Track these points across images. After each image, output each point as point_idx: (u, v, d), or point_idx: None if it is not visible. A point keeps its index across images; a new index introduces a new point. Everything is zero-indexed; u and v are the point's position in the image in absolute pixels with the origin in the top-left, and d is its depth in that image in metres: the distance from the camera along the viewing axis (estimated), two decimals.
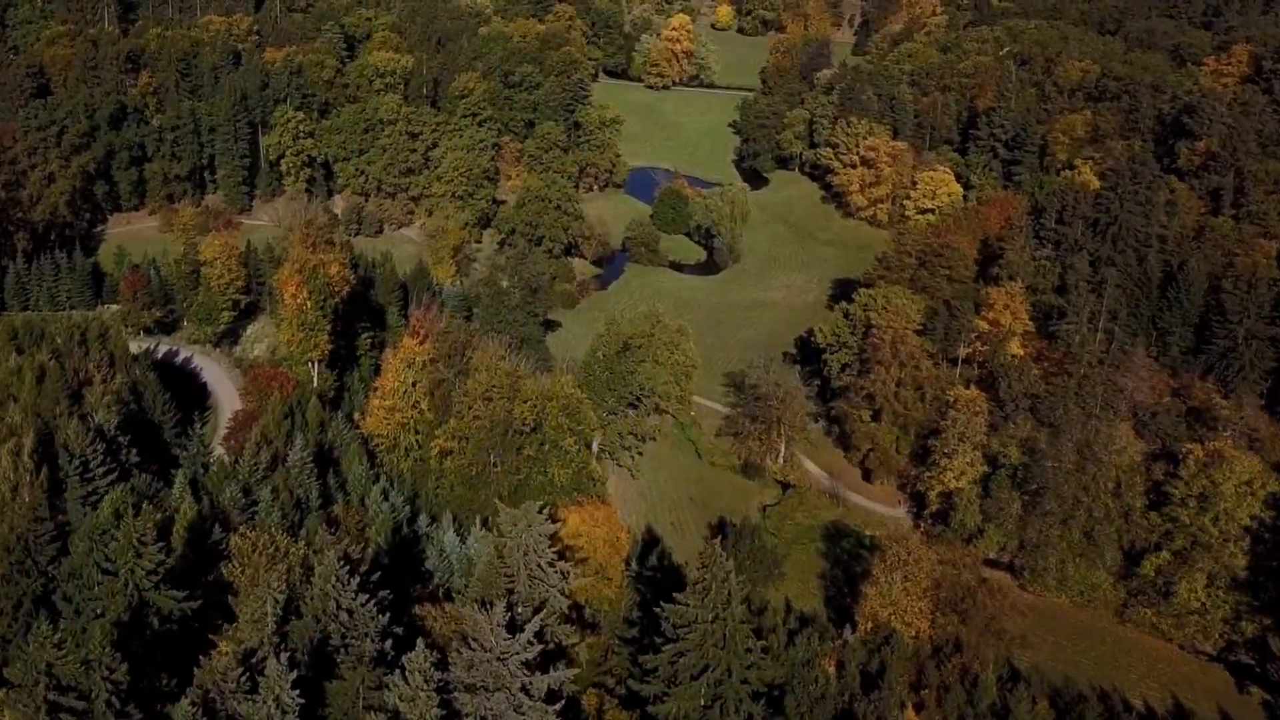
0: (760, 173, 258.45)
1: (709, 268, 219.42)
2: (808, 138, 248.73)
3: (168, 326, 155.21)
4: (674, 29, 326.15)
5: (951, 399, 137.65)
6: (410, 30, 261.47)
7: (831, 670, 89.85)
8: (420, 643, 64.53)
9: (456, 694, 65.40)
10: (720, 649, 76.16)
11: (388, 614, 71.32)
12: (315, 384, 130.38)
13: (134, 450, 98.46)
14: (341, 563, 70.42)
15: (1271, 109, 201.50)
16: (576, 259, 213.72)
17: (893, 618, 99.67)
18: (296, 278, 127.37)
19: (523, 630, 67.70)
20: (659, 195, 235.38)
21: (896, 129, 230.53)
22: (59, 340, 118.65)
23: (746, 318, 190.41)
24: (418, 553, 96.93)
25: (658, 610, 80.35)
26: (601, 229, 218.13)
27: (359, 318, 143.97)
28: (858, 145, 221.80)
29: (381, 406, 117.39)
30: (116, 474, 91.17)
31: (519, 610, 72.98)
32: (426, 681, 62.43)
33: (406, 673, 63.27)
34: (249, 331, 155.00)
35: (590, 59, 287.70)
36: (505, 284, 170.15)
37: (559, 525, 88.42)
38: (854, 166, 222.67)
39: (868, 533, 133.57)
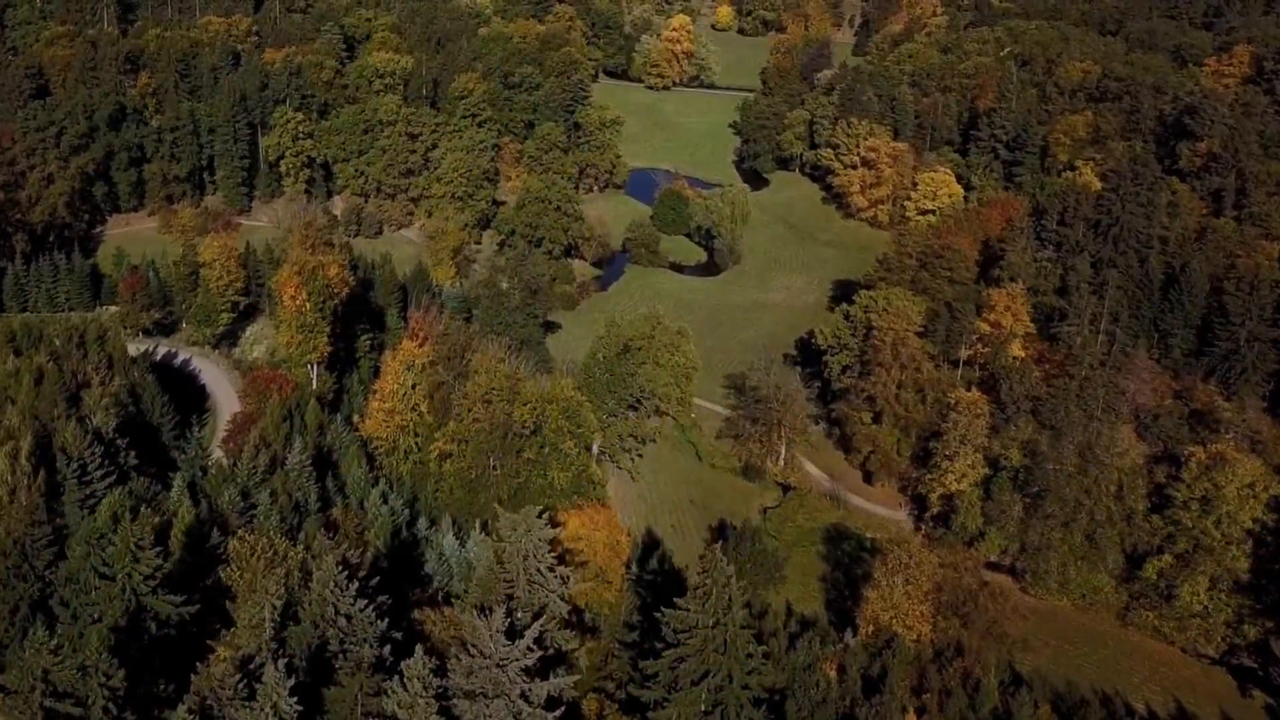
0: (761, 174, 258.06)
1: (709, 269, 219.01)
2: (808, 138, 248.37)
3: (166, 328, 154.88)
4: (674, 29, 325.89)
5: (953, 401, 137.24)
6: (410, 31, 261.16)
7: (833, 674, 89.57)
8: (419, 649, 64.12)
9: (456, 700, 64.99)
10: (721, 654, 75.75)
11: (386, 619, 70.94)
12: (314, 386, 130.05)
13: (132, 453, 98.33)
14: (340, 567, 70.03)
15: (1273, 110, 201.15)
16: (576, 260, 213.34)
17: (894, 621, 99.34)
18: (295, 279, 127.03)
19: (522, 636, 67.31)
20: (659, 196, 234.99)
21: (897, 130, 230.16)
22: (57, 342, 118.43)
23: (747, 319, 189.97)
24: (417, 556, 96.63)
25: (658, 615, 79.96)
26: (601, 230, 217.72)
27: (358, 319, 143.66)
28: (858, 146, 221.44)
29: (381, 409, 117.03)
30: (115, 477, 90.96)
31: (518, 616, 72.61)
32: (425, 688, 62.00)
33: (405, 679, 62.84)
34: (248, 333, 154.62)
35: (590, 59, 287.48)
36: (505, 285, 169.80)
37: (559, 529, 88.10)
38: (854, 167, 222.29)
39: (869, 535, 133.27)
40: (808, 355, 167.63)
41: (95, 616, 72.01)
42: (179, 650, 72.66)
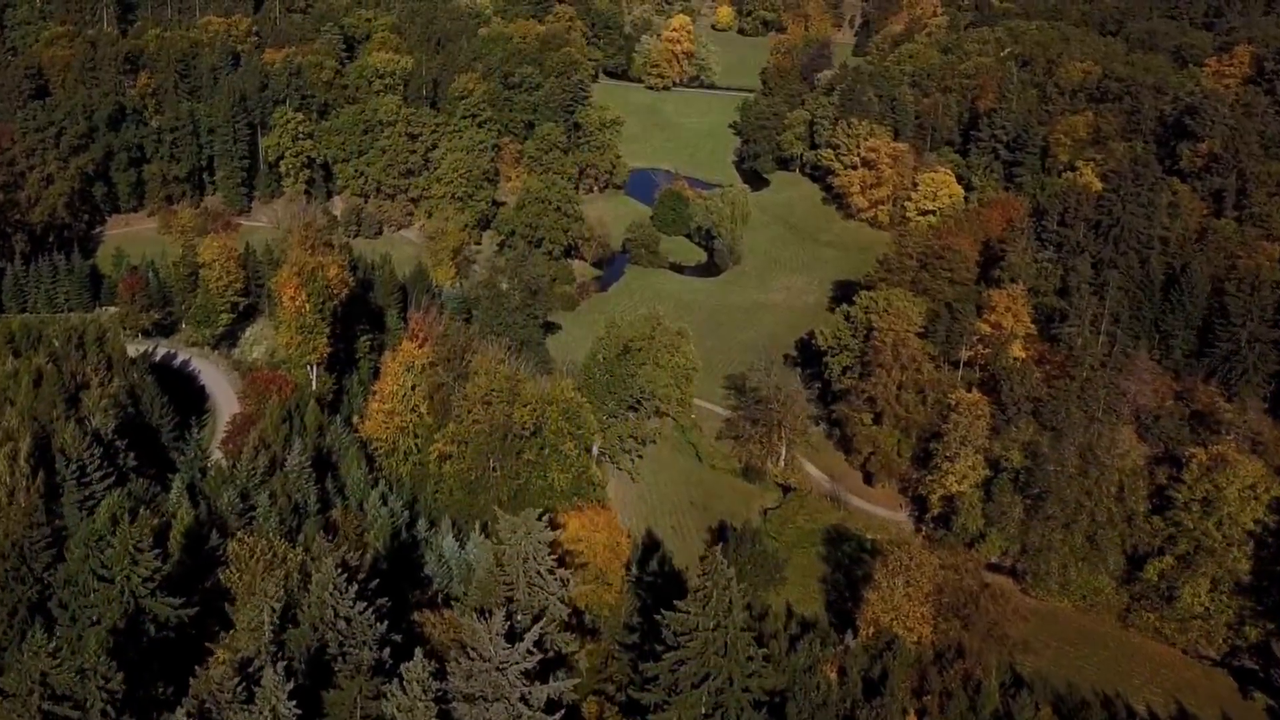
0: (761, 174, 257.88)
1: (709, 269, 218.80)
2: (808, 139, 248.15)
3: (166, 329, 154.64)
4: (674, 30, 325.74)
5: (953, 402, 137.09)
6: (410, 31, 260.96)
7: (833, 677, 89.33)
8: (418, 652, 63.86)
9: (455, 704, 64.77)
10: (721, 657, 75.56)
11: (386, 622, 70.73)
12: (314, 387, 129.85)
13: (131, 454, 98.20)
14: (339, 570, 69.82)
15: (1274, 110, 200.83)
16: (576, 261, 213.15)
17: (895, 623, 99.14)
18: (295, 280, 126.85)
19: (522, 639, 67.09)
20: (659, 196, 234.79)
21: (897, 130, 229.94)
22: (56, 343, 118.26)
23: (747, 320, 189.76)
24: (416, 558, 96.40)
25: (658, 617, 79.78)
26: (601, 230, 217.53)
27: (358, 320, 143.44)
28: (858, 146, 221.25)
29: (380, 410, 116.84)
30: (114, 478, 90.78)
31: (518, 619, 72.38)
32: (425, 691, 61.77)
33: (405, 682, 62.61)
34: (247, 334, 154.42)
35: (590, 60, 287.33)
36: (505, 286, 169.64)
37: (559, 531, 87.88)
38: (855, 168, 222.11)
39: (869, 537, 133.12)
40: (808, 356, 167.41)
41: (94, 619, 71.78)
42: (178, 653, 72.44)
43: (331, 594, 68.34)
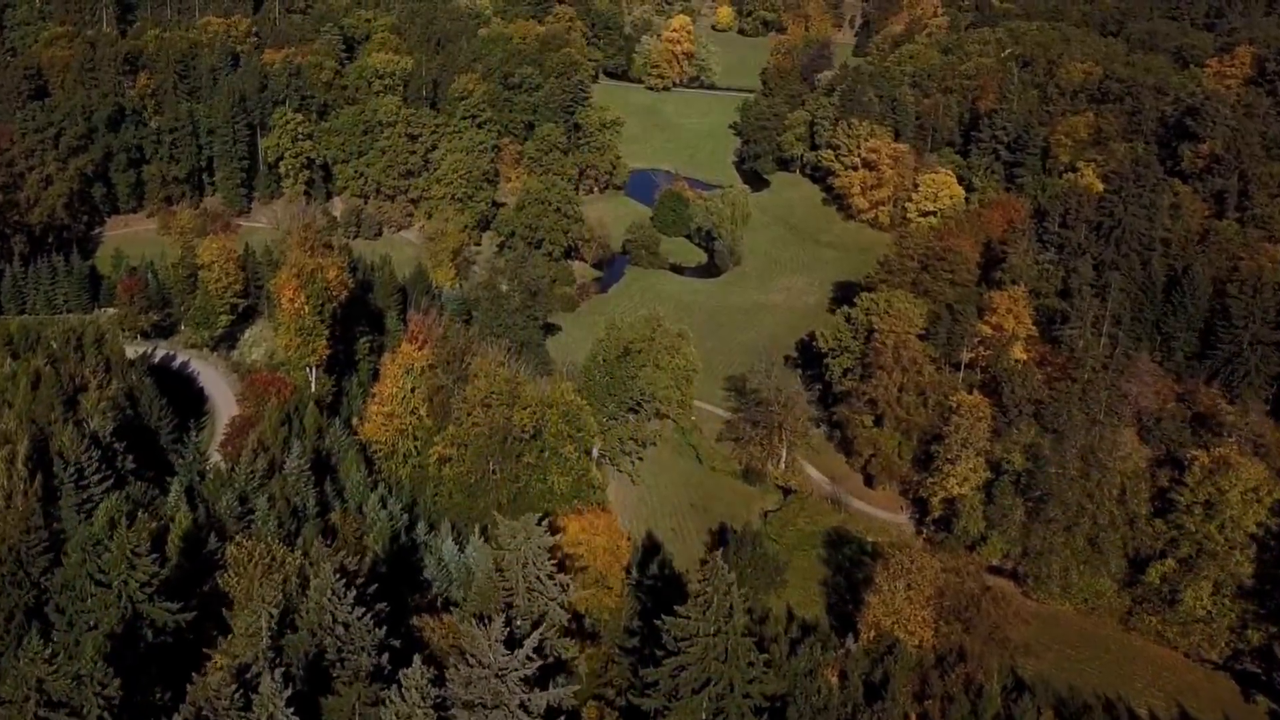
0: (761, 174, 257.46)
1: (709, 270, 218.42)
2: (809, 139, 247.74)
3: (165, 330, 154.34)
4: (674, 30, 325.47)
5: (954, 404, 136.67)
6: (409, 31, 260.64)
7: (834, 680, 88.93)
8: (417, 658, 63.46)
9: (454, 710, 64.36)
10: (722, 663, 75.21)
11: (384, 627, 70.33)
12: (313, 389, 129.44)
13: (130, 457, 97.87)
14: (338, 575, 69.41)
15: (1275, 111, 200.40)
16: (576, 262, 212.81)
17: (896, 626, 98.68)
18: (294, 282, 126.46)
19: (521, 645, 66.68)
20: (659, 197, 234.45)
21: (898, 131, 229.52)
22: (55, 345, 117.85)
23: (747, 321, 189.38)
24: (416, 561, 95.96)
25: (659, 621, 79.41)
26: (602, 231, 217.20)
27: (357, 321, 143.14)
28: (859, 147, 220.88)
29: (380, 412, 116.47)
30: (112, 481, 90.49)
31: (518, 624, 71.95)
32: (424, 698, 61.36)
33: (404, 688, 62.22)
34: (247, 335, 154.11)
35: (590, 60, 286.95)
36: (505, 287, 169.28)
37: (559, 535, 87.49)
38: (855, 168, 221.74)
39: (870, 539, 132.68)
40: (808, 357, 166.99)
41: (91, 624, 71.39)
42: (175, 658, 72.01)
43: (330, 599, 67.95)
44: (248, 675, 63.95)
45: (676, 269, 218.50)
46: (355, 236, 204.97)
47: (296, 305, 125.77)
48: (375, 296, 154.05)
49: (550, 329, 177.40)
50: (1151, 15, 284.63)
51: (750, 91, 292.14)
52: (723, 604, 74.87)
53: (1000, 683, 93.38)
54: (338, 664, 67.47)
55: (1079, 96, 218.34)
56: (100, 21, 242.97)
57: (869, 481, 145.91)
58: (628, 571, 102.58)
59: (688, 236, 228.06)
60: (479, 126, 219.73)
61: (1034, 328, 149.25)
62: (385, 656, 68.49)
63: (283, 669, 63.03)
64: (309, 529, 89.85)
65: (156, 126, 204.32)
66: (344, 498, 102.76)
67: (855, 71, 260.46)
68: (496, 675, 64.45)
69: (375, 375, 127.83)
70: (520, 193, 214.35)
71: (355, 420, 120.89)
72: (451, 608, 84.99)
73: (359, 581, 72.83)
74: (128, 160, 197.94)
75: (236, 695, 61.24)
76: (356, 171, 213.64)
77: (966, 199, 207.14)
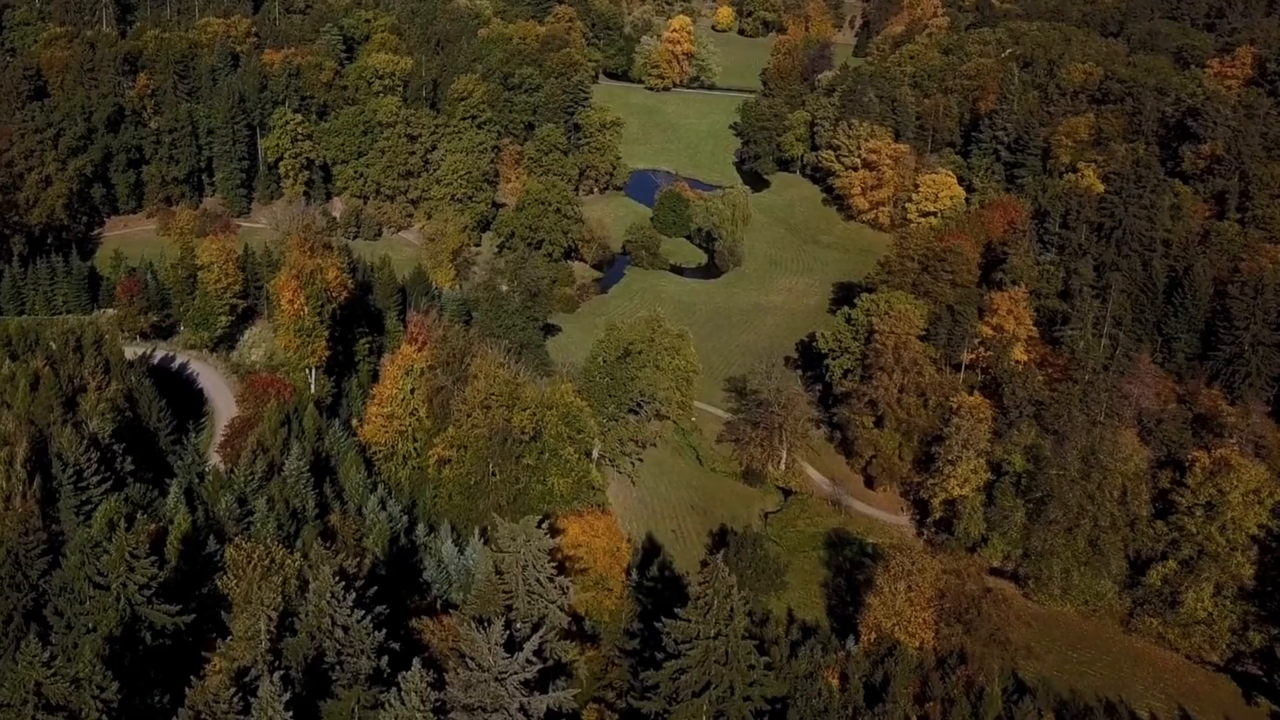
0: (761, 175, 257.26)
1: (710, 271, 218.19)
2: (809, 140, 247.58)
3: (164, 331, 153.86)
4: (674, 30, 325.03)
5: (955, 405, 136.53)
6: (409, 32, 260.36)
7: (835, 683, 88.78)
8: (416, 662, 63.26)
9: (454, 714, 64.14)
10: (723, 665, 75.01)
11: (384, 630, 70.11)
12: (312, 390, 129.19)
13: (129, 459, 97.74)
14: (337, 577, 69.20)
15: (1276, 112, 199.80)
16: (576, 262, 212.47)
17: (896, 628, 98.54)
18: (294, 283, 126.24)
19: (521, 648, 66.46)
20: (659, 198, 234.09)
21: (898, 131, 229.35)
22: (54, 346, 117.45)
23: (747, 322, 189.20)
24: (415, 563, 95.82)
25: (659, 624, 79.20)
26: (602, 232, 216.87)
27: (357, 322, 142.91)
28: (859, 148, 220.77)
29: (379, 414, 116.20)
30: (111, 483, 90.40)
31: (518, 627, 71.75)
32: (423, 701, 61.17)
33: (403, 692, 62.01)
34: (246, 336, 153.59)
35: (590, 61, 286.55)
36: (505, 288, 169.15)
37: (558, 536, 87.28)
38: (856, 169, 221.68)
39: (870, 541, 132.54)
40: (809, 358, 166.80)
41: (90, 626, 71.23)
42: (174, 661, 71.86)
43: (329, 602, 67.75)
44: (246, 678, 63.82)
45: (677, 270, 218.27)
46: (355, 237, 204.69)
47: (296, 306, 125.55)
48: (375, 297, 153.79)
49: (550, 330, 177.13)
50: (1152, 16, 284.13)
51: (750, 92, 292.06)
52: (723, 606, 74.66)
53: (1001, 685, 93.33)
54: (337, 667, 67.27)
55: (1079, 97, 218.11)
56: (100, 22, 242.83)
57: (869, 483, 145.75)
58: (628, 573, 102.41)
59: (688, 237, 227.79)
60: (479, 127, 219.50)
61: (1034, 329, 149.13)
62: (385, 659, 68.31)
63: (282, 672, 62.86)
64: (308, 531, 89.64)
65: (156, 127, 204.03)
66: (343, 499, 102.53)
67: (855, 72, 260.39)
68: (496, 678, 64.24)
69: (375, 376, 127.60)
70: (520, 193, 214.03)
71: (355, 422, 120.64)
72: (451, 610, 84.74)
73: (358, 584, 72.65)
74: (127, 161, 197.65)
75: (235, 698, 61.12)
76: (356, 172, 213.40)
77: (967, 199, 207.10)
